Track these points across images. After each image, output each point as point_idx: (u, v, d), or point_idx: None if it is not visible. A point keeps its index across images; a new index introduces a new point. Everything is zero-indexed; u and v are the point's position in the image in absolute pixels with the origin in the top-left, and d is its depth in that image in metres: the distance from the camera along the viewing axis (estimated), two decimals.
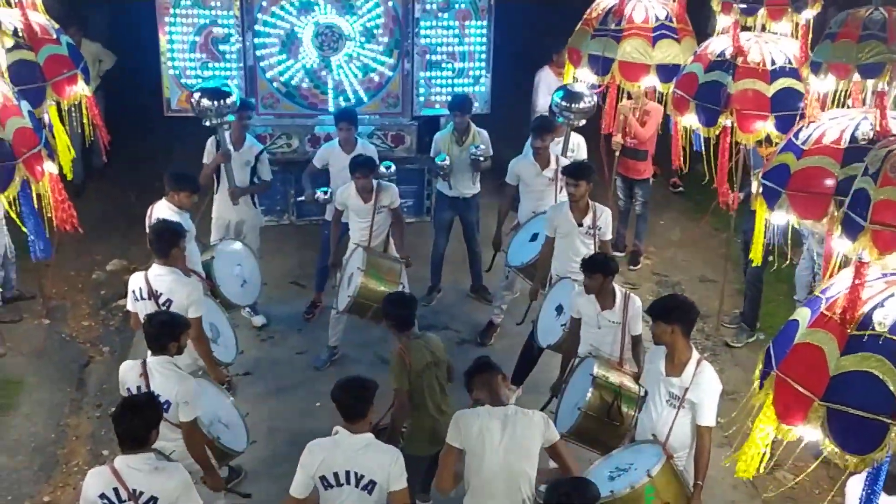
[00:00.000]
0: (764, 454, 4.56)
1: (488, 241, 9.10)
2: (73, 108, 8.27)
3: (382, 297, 7.27)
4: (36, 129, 7.08)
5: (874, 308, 4.22)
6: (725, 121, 7.88)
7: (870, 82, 6.58)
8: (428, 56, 10.21)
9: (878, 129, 5.82)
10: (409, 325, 6.12)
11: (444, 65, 10.26)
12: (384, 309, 6.27)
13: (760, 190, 6.63)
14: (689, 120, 8.09)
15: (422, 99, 10.34)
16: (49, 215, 7.56)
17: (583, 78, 9.39)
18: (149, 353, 5.73)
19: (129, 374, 5.67)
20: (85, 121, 8.44)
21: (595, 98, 8.75)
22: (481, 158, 8.74)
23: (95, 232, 10.00)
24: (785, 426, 4.34)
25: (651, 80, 9.18)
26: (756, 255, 7.37)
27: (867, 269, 4.33)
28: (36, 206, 7.51)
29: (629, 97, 9.58)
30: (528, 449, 5.08)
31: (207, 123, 8.12)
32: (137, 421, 4.80)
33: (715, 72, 7.92)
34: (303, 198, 8.90)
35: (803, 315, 4.55)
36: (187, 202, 7.37)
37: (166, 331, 5.66)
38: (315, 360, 8.31)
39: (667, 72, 9.05)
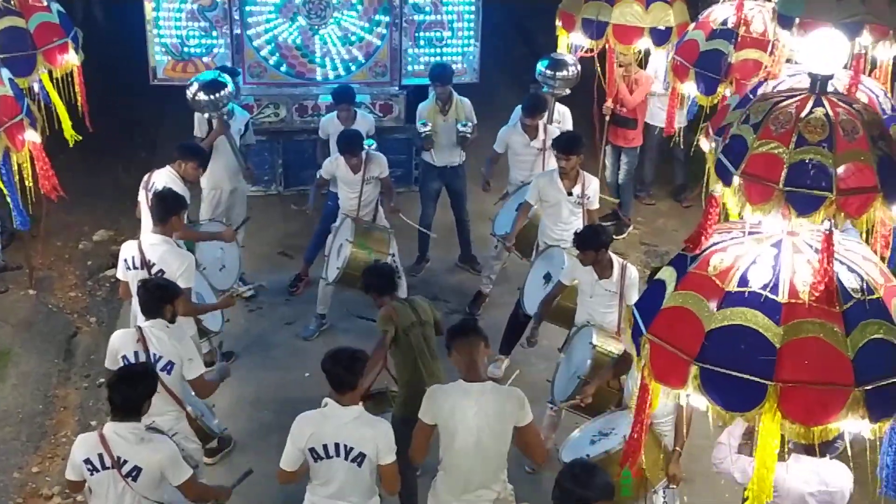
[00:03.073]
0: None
1: (476, 211, 9.12)
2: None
3: None
4: (17, 98, 7.00)
5: (748, 267, 4.19)
6: (725, 90, 7.82)
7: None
8: (416, 25, 10.14)
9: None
10: (392, 288, 6.28)
11: (432, 33, 10.18)
12: (365, 283, 6.39)
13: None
14: (689, 88, 8.04)
15: (410, 68, 10.27)
16: (29, 186, 7.48)
17: (576, 42, 9.35)
18: (141, 318, 5.72)
19: (123, 342, 5.65)
20: (77, 90, 8.35)
21: (578, 67, 8.74)
22: (469, 135, 8.74)
23: (82, 202, 9.94)
24: (665, 387, 4.26)
25: (645, 43, 9.15)
26: None
27: (716, 210, 4.31)
28: (16, 176, 7.44)
29: (619, 65, 9.55)
30: (501, 427, 5.05)
31: (207, 116, 8.10)
32: (132, 390, 4.82)
33: (717, 40, 7.84)
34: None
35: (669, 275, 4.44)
36: (193, 174, 7.42)
37: (161, 294, 5.68)
38: (304, 331, 8.31)
39: (660, 35, 9.03)
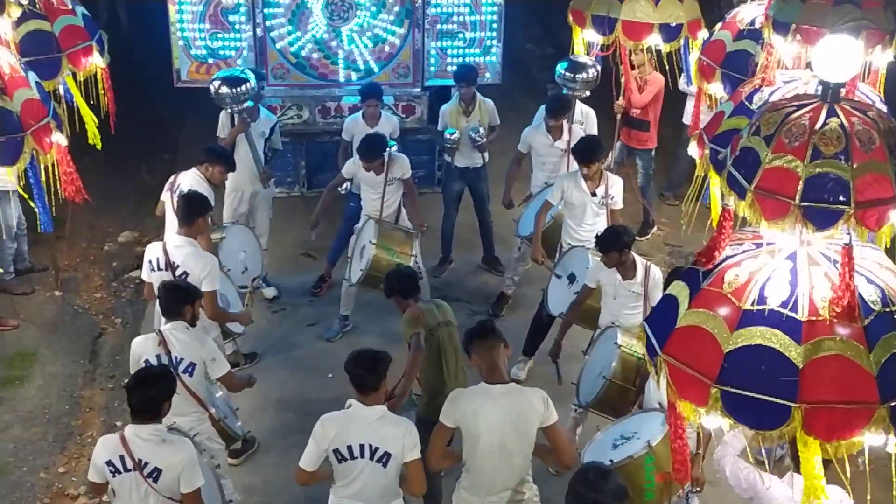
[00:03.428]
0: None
1: (499, 212, 9.10)
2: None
3: None
4: (44, 101, 7.04)
5: (765, 283, 4.08)
6: None
7: None
8: (439, 26, 10.14)
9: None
10: (415, 290, 6.22)
11: (455, 35, 10.18)
12: (388, 287, 6.33)
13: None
14: (715, 88, 7.94)
15: (433, 69, 10.27)
16: (55, 188, 7.54)
17: (589, 38, 9.31)
18: (162, 321, 5.75)
19: (145, 347, 5.69)
20: (101, 92, 8.40)
21: (598, 68, 8.71)
22: (479, 140, 8.73)
23: (106, 204, 10.01)
24: (692, 406, 4.15)
25: (654, 39, 9.07)
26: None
27: (730, 224, 4.22)
28: (43, 178, 7.50)
29: (632, 66, 9.48)
30: (525, 429, 5.02)
31: (228, 111, 8.18)
32: (151, 392, 4.83)
33: (744, 41, 7.73)
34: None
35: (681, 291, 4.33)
36: (219, 177, 7.48)
37: (180, 295, 5.72)
38: (326, 332, 8.32)
39: (669, 31, 8.96)
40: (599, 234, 6.73)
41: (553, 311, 7.36)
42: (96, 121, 8.34)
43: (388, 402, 5.29)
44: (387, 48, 10.16)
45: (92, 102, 8.33)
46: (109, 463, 4.82)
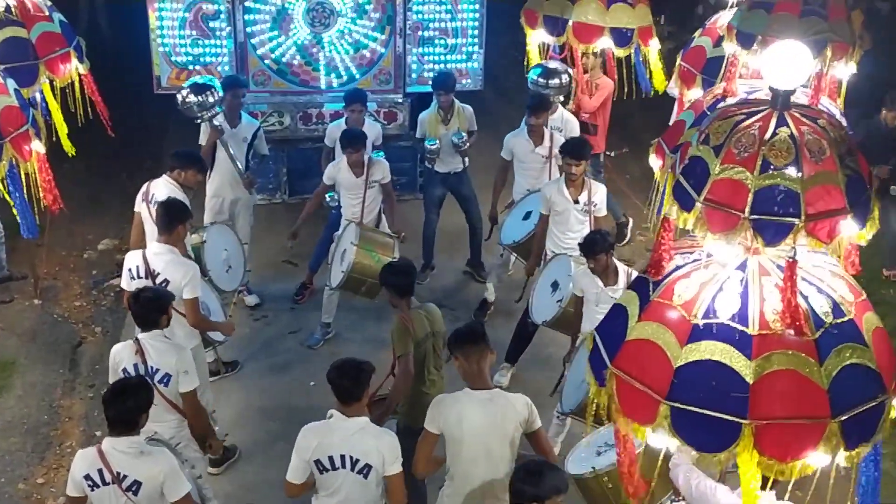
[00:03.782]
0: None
1: (483, 218, 9.09)
2: None
3: (376, 272, 7.24)
4: (23, 108, 6.99)
5: (715, 296, 4.00)
6: None
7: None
8: (420, 32, 10.14)
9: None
10: (410, 292, 6.06)
11: (436, 41, 10.18)
12: (383, 279, 6.20)
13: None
14: (696, 94, 7.97)
15: (414, 76, 10.27)
16: (36, 195, 7.48)
17: (540, 39, 9.30)
18: (138, 329, 5.70)
19: (122, 355, 5.63)
20: (79, 100, 8.33)
21: (571, 73, 8.73)
22: (462, 145, 8.74)
23: (86, 211, 9.95)
24: (637, 424, 4.07)
25: (605, 42, 9.08)
26: None
27: (671, 235, 4.15)
28: (24, 185, 7.45)
29: (585, 71, 9.50)
30: (509, 435, 5.01)
31: (198, 121, 8.13)
32: (128, 404, 4.78)
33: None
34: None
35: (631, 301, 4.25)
36: (193, 180, 7.37)
37: (154, 306, 5.65)
38: (309, 339, 8.28)
39: (621, 36, 8.97)
40: (581, 242, 6.73)
41: (536, 319, 7.34)
42: (66, 129, 8.25)
43: (370, 409, 5.25)
44: (368, 54, 10.15)
45: (72, 110, 8.28)
46: (87, 477, 4.76)
